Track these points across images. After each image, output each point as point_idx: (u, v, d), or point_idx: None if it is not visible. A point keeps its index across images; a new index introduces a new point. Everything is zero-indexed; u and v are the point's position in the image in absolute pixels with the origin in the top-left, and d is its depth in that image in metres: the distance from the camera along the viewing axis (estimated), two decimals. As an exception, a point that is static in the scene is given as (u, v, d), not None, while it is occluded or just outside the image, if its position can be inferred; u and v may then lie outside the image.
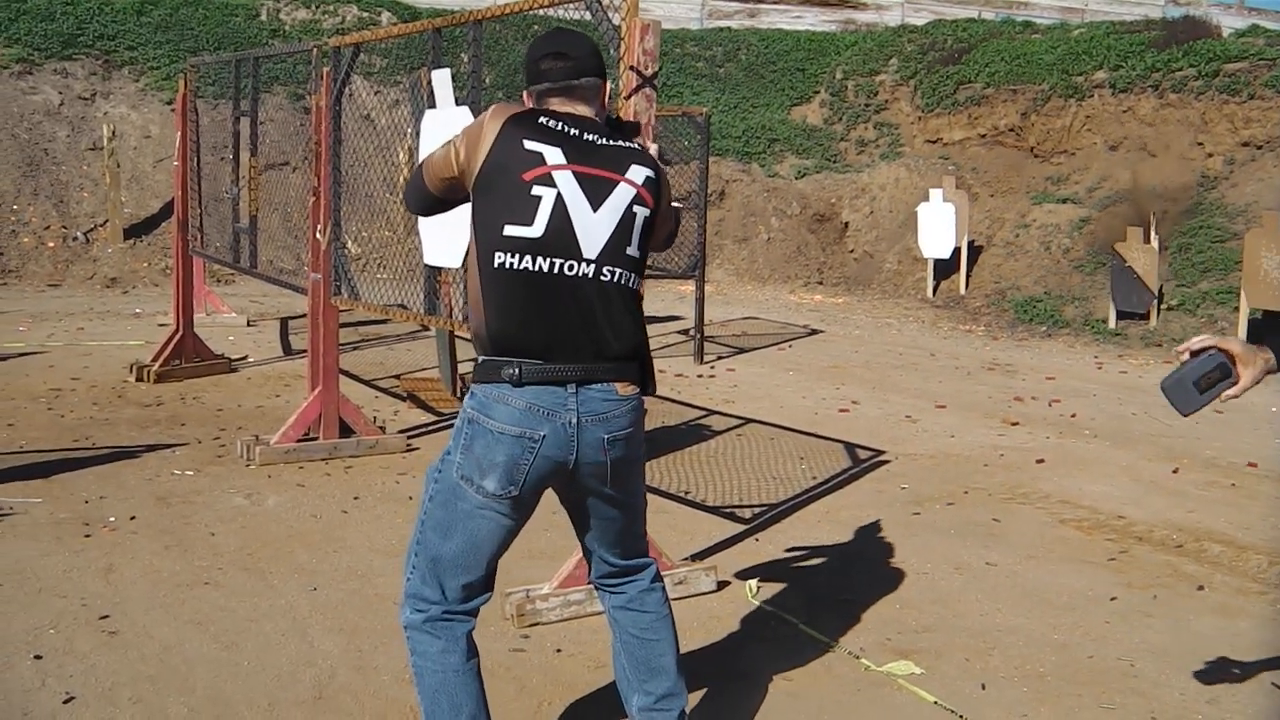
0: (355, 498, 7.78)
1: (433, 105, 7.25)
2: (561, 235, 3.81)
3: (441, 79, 7.17)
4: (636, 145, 4.09)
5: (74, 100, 21.29)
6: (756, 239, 22.32)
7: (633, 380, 3.95)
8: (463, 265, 4.05)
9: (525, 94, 4.13)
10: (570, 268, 3.81)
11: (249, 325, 15.00)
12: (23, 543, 6.71)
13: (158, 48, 22.45)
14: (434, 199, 4.15)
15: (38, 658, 5.23)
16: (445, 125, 7.04)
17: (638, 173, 3.98)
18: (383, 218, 17.47)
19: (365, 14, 24.59)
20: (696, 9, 28.56)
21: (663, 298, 18.97)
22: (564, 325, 3.81)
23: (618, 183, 3.92)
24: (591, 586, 5.80)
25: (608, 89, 4.13)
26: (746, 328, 16.69)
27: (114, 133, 19.89)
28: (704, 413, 10.76)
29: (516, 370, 3.77)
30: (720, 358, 13.92)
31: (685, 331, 15.16)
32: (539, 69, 4.06)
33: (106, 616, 5.71)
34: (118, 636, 5.49)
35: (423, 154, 7.27)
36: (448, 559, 3.89)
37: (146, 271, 19.18)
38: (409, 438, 9.25)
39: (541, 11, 6.54)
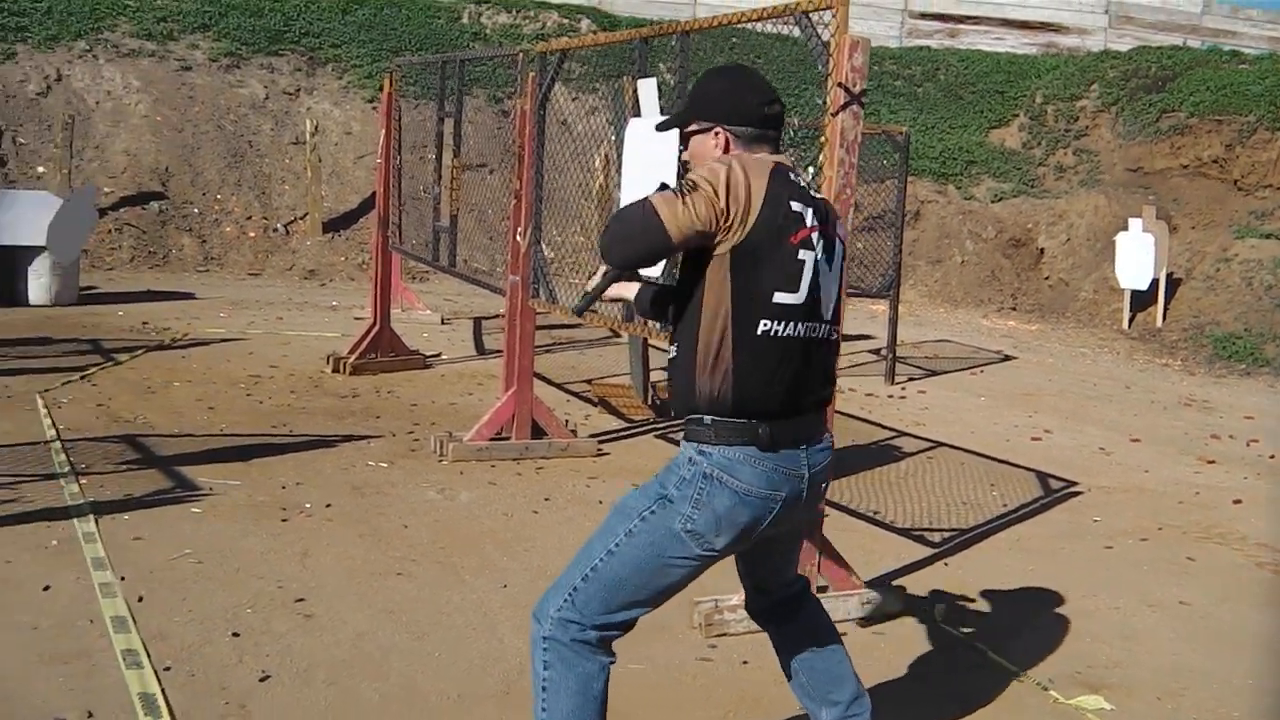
0: (546, 499, 7.84)
1: (637, 114, 7.28)
2: (814, 300, 3.77)
3: (647, 88, 7.19)
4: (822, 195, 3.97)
5: (278, 95, 21.78)
6: (950, 261, 22.10)
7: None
8: (687, 316, 3.50)
9: (721, 130, 3.87)
10: (815, 330, 3.80)
11: (443, 323, 15.22)
12: (222, 523, 6.88)
13: (361, 46, 22.89)
14: (668, 250, 3.73)
15: (235, 635, 5.37)
16: (650, 134, 7.07)
17: (840, 226, 3.95)
18: (577, 223, 17.57)
19: (565, 20, 24.83)
20: (896, 27, 28.39)
21: (854, 316, 18.80)
22: (804, 386, 3.79)
23: (838, 239, 3.91)
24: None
25: None
26: (938, 350, 16.53)
27: (316, 128, 20.29)
28: (894, 434, 10.67)
29: (767, 433, 3.70)
30: (911, 379, 13.81)
31: (876, 351, 15.04)
32: (762, 114, 3.86)
33: (302, 600, 5.83)
34: (313, 620, 5.60)
35: (628, 162, 7.28)
36: (631, 593, 3.78)
37: (343, 265, 19.54)
38: (600, 442, 9.31)
39: (746, 26, 6.53)
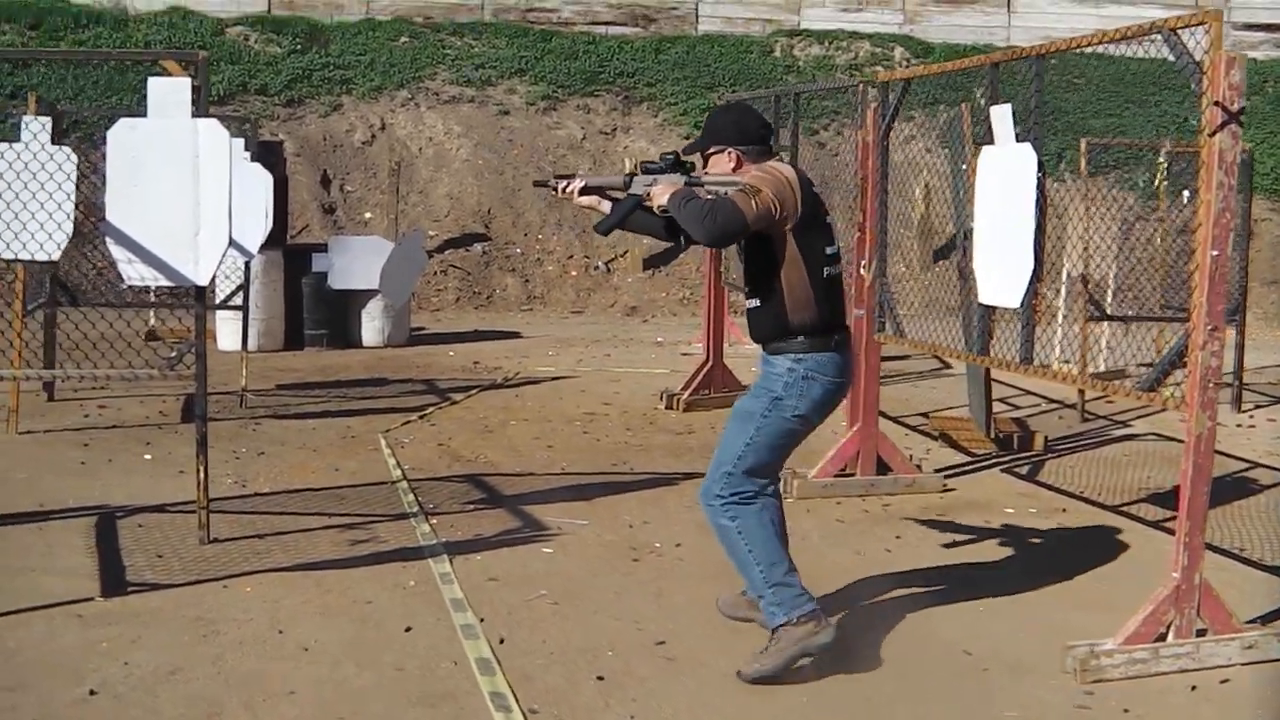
0: (897, 536, 7.61)
1: (989, 141, 7.05)
2: (837, 248, 5.59)
3: (1001, 115, 6.93)
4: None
5: (595, 135, 22.05)
6: (1288, 282, 21.19)
7: None
8: (768, 279, 5.47)
9: (732, 150, 5.55)
10: (839, 268, 5.58)
11: (768, 356, 15.05)
12: (574, 563, 6.87)
13: (675, 84, 23.01)
14: (746, 232, 5.30)
15: (600, 679, 5.32)
16: (1005, 162, 6.83)
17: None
18: (897, 252, 17.34)
19: (878, 49, 24.54)
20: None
21: (1186, 342, 18.07)
22: (841, 305, 5.61)
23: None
24: (1156, 646, 5.52)
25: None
26: (1282, 375, 15.75)
27: (635, 166, 20.45)
28: (1248, 465, 10.13)
29: (837, 339, 5.47)
30: (1259, 406, 13.16)
31: (1217, 378, 14.35)
32: (762, 135, 5.62)
33: (662, 642, 5.75)
34: (675, 663, 5.52)
35: (982, 189, 7.08)
36: (770, 464, 5.51)
37: (664, 301, 19.65)
38: (944, 478, 9.02)
39: (1102, 48, 6.25)
